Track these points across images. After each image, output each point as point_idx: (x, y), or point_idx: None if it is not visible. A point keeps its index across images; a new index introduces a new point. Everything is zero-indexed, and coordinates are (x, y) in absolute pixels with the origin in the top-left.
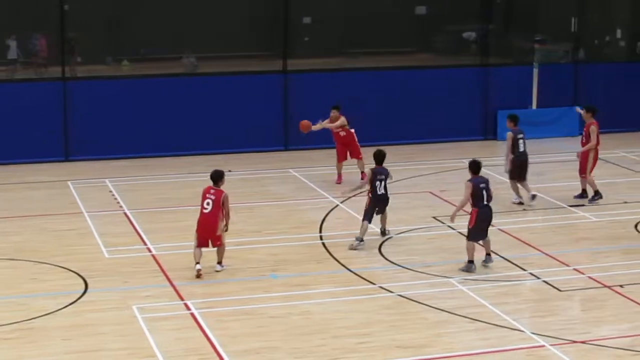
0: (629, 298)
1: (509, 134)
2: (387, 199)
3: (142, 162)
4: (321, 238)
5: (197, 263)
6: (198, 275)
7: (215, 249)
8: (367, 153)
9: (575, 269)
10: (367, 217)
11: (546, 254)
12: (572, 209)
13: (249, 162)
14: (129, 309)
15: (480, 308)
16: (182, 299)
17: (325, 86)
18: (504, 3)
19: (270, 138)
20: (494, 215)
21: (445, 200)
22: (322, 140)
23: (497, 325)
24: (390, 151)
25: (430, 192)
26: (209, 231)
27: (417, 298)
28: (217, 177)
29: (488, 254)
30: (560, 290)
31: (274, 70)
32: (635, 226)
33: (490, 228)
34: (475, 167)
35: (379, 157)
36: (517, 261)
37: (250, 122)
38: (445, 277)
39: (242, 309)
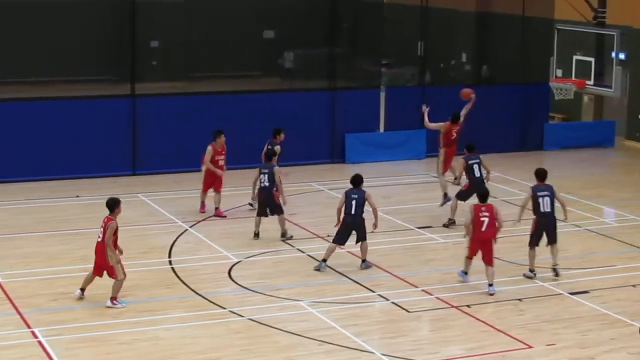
0: (475, 317)
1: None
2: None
3: None
4: (170, 263)
5: (81, 289)
6: (80, 298)
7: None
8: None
9: (423, 290)
10: (279, 210)
11: (395, 276)
12: (420, 230)
13: (97, 187)
14: None
15: (330, 330)
16: (29, 326)
17: (173, 110)
18: (350, 27)
19: (118, 162)
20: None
21: (295, 224)
22: (170, 164)
23: (347, 347)
24: (236, 174)
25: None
26: (102, 261)
27: (268, 322)
28: (112, 204)
29: (363, 260)
30: (409, 312)
31: (122, 94)
32: None
33: (341, 250)
34: (353, 180)
35: (269, 154)
36: (366, 283)
37: (99, 146)
38: (295, 300)
39: (90, 336)
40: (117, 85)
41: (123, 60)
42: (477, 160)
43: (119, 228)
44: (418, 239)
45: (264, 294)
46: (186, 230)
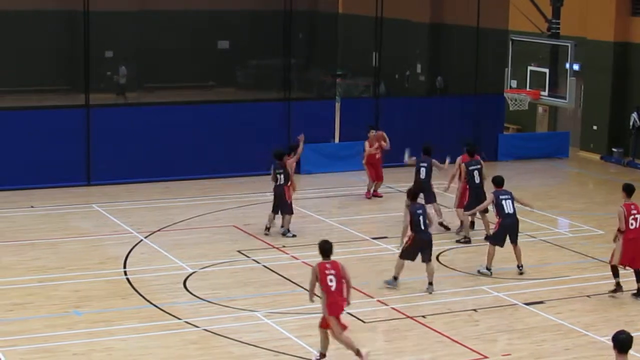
0: (430, 328)
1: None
2: None
3: None
4: (125, 274)
5: (322, 355)
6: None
7: None
8: (161, 188)
9: (379, 300)
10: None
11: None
12: (375, 241)
13: (51, 197)
14: None
15: (285, 341)
16: None
17: (128, 120)
18: (306, 38)
19: (73, 173)
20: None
21: (250, 234)
22: (124, 175)
23: (302, 357)
24: (191, 185)
25: (234, 226)
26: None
27: (223, 332)
28: (329, 248)
29: (430, 283)
30: (364, 322)
31: (76, 105)
32: (437, 257)
33: (296, 261)
34: (411, 194)
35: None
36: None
37: (53, 156)
38: (250, 310)
39: (44, 347)
40: (71, 95)
41: (77, 70)
42: (479, 166)
43: (75, 239)
44: (373, 249)
45: (219, 305)
46: (141, 240)
